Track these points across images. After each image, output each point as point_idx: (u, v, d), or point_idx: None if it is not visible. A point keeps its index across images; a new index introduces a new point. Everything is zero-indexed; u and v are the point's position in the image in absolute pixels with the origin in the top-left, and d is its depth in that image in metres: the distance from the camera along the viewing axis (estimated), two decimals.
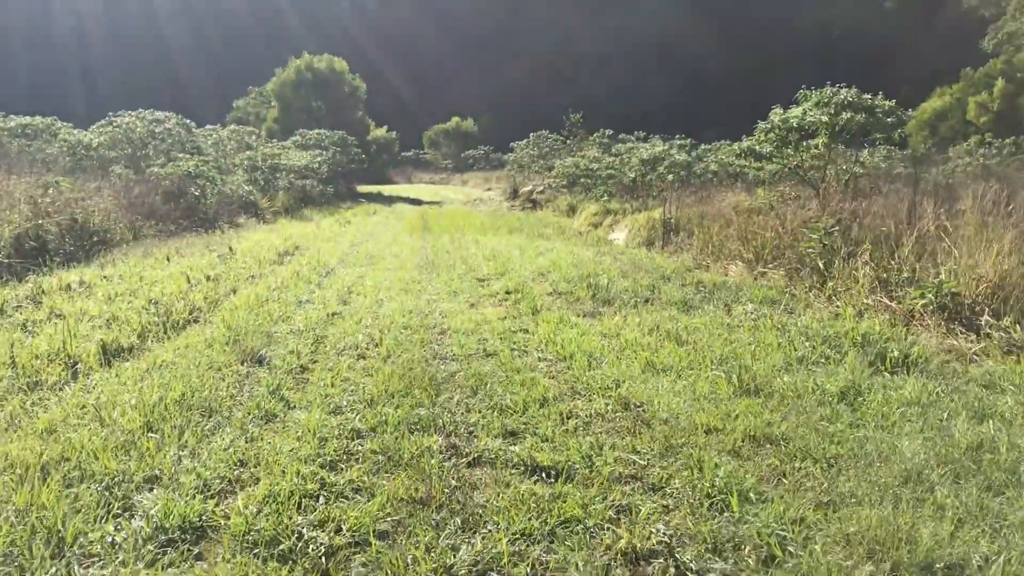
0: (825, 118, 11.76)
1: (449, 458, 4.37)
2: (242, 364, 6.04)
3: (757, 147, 13.18)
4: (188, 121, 28.31)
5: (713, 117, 79.36)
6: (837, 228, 10.81)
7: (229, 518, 3.61)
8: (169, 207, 18.51)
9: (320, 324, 7.78)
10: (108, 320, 7.29)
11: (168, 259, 12.72)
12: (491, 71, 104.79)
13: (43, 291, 8.63)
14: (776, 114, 13.20)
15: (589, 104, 47.47)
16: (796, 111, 12.85)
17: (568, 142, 41.58)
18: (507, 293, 10.22)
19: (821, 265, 10.57)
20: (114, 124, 25.32)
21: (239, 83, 71.96)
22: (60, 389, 5.36)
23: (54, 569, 3.16)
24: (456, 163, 71.18)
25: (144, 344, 6.62)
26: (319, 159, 35.33)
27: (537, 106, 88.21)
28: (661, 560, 3.37)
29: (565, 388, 5.73)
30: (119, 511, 3.63)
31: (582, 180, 30.03)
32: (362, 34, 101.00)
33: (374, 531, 3.55)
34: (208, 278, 10.57)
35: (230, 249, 14.03)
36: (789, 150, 13.13)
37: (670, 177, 18.56)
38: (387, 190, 49.83)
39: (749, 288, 10.77)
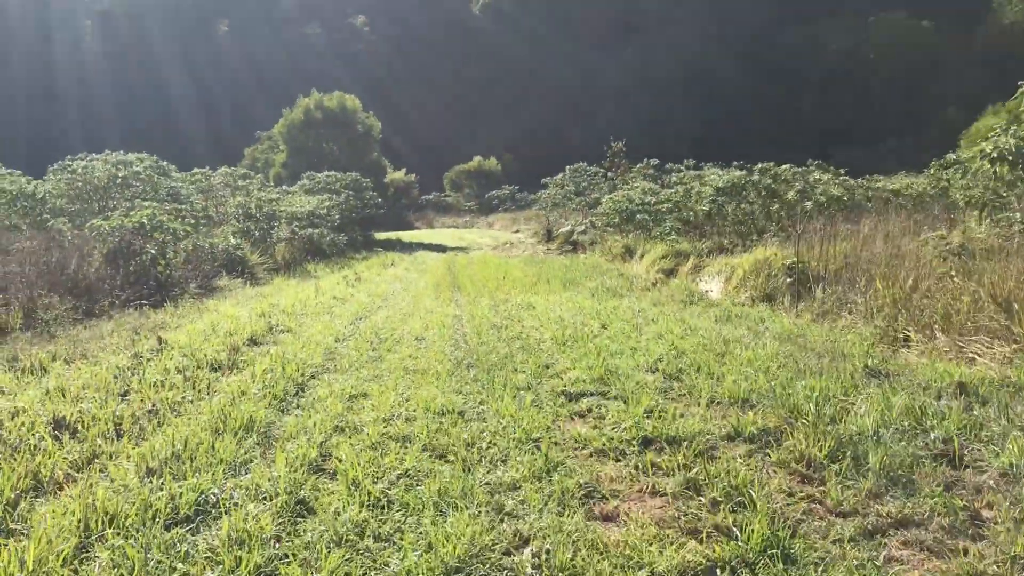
0: None
1: None
2: None
3: None
4: (164, 163, 23.56)
5: (744, 146, 74.37)
6: None
7: None
8: (110, 272, 13.55)
9: None
10: None
11: (44, 369, 7.65)
12: (511, 109, 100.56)
13: None
14: None
15: (614, 137, 42.53)
16: None
17: (610, 175, 36.48)
18: (646, 443, 5.03)
19: None
20: (69, 169, 20.59)
21: (251, 134, 67.99)
22: None
23: None
24: (480, 205, 66.25)
25: None
26: (327, 204, 30.41)
27: (560, 142, 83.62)
28: None
29: None
30: None
31: (638, 217, 24.88)
32: (377, 76, 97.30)
33: None
34: (58, 425, 5.45)
35: (160, 341, 8.94)
36: None
37: (808, 204, 13.27)
38: (407, 236, 44.90)
39: None
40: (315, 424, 5.50)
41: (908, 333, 9.05)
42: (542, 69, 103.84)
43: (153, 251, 14.96)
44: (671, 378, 6.87)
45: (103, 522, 3.75)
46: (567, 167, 37.93)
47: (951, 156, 15.51)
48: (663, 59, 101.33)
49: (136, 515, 3.85)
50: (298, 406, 6.21)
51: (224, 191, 29.26)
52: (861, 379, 6.75)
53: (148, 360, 7.99)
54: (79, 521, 3.72)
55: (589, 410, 5.98)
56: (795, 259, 12.92)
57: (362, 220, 39.38)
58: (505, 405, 5.94)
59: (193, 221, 21.40)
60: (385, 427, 5.48)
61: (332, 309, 12.80)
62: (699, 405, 5.95)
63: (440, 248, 35.24)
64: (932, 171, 15.71)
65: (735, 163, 29.93)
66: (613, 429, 5.36)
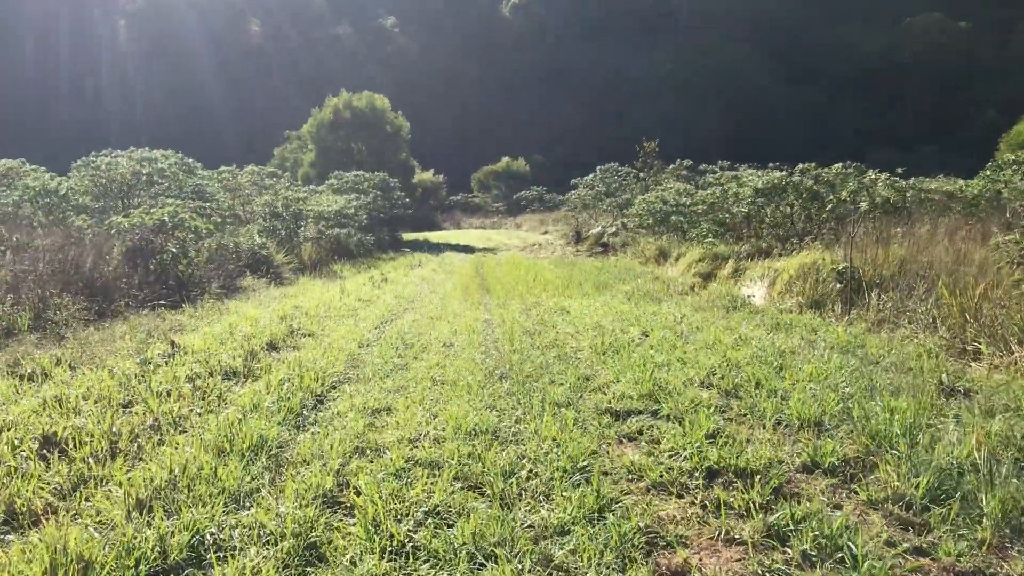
0: None
1: None
2: None
3: None
4: (190, 161, 23.18)
5: (775, 148, 73.08)
6: None
7: None
8: (128, 271, 13.09)
9: None
10: None
11: (46, 374, 7.11)
12: (540, 110, 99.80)
13: None
14: None
15: (647, 137, 41.72)
16: None
17: (641, 175, 35.72)
18: (711, 476, 4.35)
19: None
20: (93, 166, 20.23)
21: (281, 134, 67.90)
22: None
23: None
24: (508, 206, 65.63)
25: None
26: (354, 204, 29.95)
27: (589, 144, 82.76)
28: None
29: None
30: None
31: (673, 218, 24.19)
32: (406, 79, 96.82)
33: None
34: (47, 442, 4.88)
35: (173, 345, 8.40)
36: None
37: (863, 206, 12.39)
38: (434, 237, 44.44)
39: None
40: (332, 446, 4.88)
41: (978, 345, 8.32)
42: (571, 70, 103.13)
43: (174, 249, 14.51)
44: (728, 395, 6.19)
45: (74, 571, 3.15)
46: (597, 167, 37.25)
47: (1008, 156, 14.66)
48: (693, 60, 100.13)
49: (115, 562, 3.24)
50: (315, 422, 5.60)
51: (251, 190, 28.89)
52: (938, 398, 6.03)
53: (158, 366, 7.44)
54: (44, 571, 3.13)
55: (640, 432, 5.32)
56: (846, 263, 12.18)
57: (390, 220, 38.98)
58: (545, 425, 5.29)
59: (220, 219, 21.02)
60: (411, 450, 4.84)
61: (357, 312, 12.23)
62: (764, 428, 5.27)
63: (468, 249, 34.73)
64: (988, 172, 14.87)
65: (770, 164, 29.10)
66: (671, 457, 4.69)
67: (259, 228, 22.25)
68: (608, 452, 4.88)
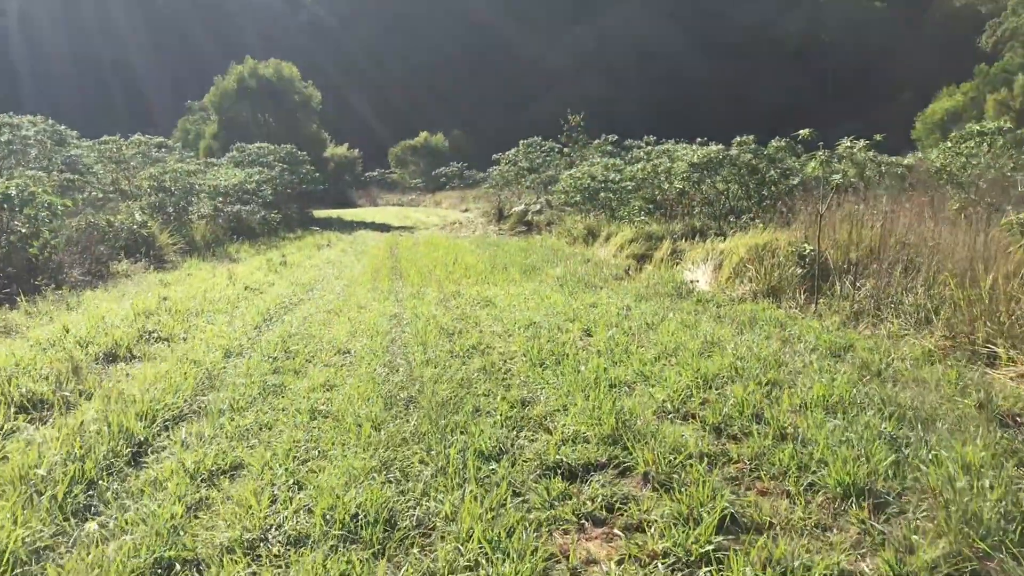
0: None
1: None
2: None
3: None
4: (62, 128, 20.41)
5: (697, 126, 72.22)
6: None
7: None
8: None
9: None
10: None
11: None
12: (461, 87, 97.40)
13: None
14: None
15: (564, 117, 39.90)
16: None
17: (567, 150, 34.02)
18: None
19: None
20: None
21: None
22: None
23: None
24: (427, 182, 63.21)
25: None
26: (256, 178, 27.40)
27: (510, 122, 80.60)
28: None
29: None
30: None
31: (602, 195, 22.60)
32: (323, 52, 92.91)
33: None
34: None
35: None
36: None
37: (836, 179, 10.74)
38: (348, 214, 41.95)
39: None
40: (118, 559, 2.94)
41: (994, 348, 6.85)
42: (494, 47, 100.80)
43: (24, 229, 12.12)
44: (719, 433, 4.45)
45: None
46: (520, 142, 35.38)
47: (973, 126, 13.42)
48: (616, 38, 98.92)
49: None
50: (114, 499, 3.63)
51: (139, 162, 26.00)
52: (993, 432, 4.43)
53: None
54: None
55: (610, 508, 3.51)
56: (808, 245, 10.68)
57: (299, 197, 36.49)
58: (466, 506, 3.44)
59: (99, 194, 18.57)
60: (245, 567, 2.94)
61: (239, 304, 10.13)
62: (793, 500, 3.53)
63: (383, 227, 32.52)
64: (951, 144, 13.62)
65: (697, 140, 27.78)
66: (673, 569, 2.90)
67: (143, 205, 19.69)
68: (568, 557, 3.06)
